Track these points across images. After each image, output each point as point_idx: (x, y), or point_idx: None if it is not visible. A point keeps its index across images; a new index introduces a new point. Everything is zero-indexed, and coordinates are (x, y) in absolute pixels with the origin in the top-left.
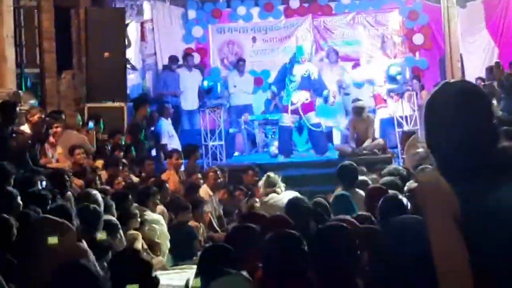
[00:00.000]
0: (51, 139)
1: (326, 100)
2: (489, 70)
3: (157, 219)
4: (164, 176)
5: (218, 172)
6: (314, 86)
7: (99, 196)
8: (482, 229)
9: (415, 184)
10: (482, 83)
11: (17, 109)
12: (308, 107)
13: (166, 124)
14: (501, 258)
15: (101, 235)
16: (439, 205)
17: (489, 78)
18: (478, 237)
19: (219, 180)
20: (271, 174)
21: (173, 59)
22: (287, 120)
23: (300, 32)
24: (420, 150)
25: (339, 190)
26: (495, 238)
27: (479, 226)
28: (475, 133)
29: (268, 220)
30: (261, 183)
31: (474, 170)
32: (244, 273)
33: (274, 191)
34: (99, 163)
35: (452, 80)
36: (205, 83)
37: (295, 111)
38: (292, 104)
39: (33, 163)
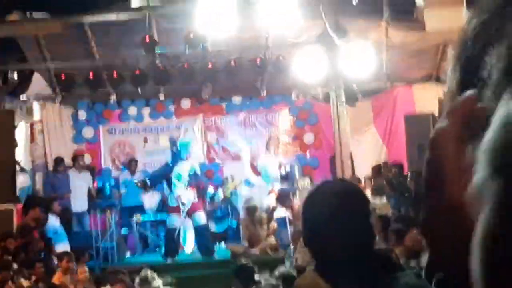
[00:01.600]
0: None
1: (212, 199)
2: (377, 169)
3: None
4: (55, 279)
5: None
6: (200, 183)
7: None
8: None
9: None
10: (372, 183)
11: None
12: (196, 206)
13: (52, 220)
14: None
15: None
16: None
17: (377, 177)
18: None
19: None
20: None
21: (58, 161)
22: (177, 221)
23: (190, 133)
24: None
25: None
26: None
27: None
28: (353, 234)
29: None
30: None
31: (352, 270)
32: None
33: None
34: None
35: (329, 180)
36: (95, 184)
37: (185, 212)
38: (183, 204)
39: None
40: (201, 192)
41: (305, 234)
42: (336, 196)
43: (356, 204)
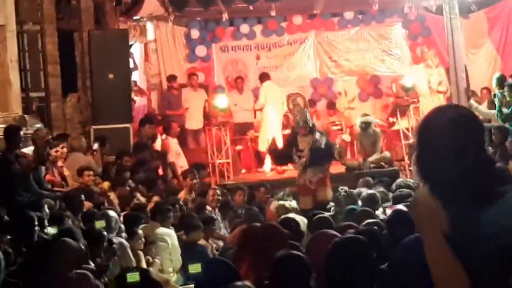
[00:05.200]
0: (59, 163)
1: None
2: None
3: (169, 233)
4: (179, 197)
5: (217, 191)
6: None
7: (114, 218)
8: (466, 248)
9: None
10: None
11: (21, 133)
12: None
13: (172, 143)
14: (481, 274)
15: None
16: (431, 223)
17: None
18: (461, 256)
19: (218, 198)
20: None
21: (171, 77)
22: None
23: (303, 49)
24: None
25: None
26: (478, 257)
27: (463, 245)
28: (468, 160)
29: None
30: None
31: (464, 192)
32: (248, 283)
33: None
34: (106, 184)
35: (444, 105)
36: (209, 101)
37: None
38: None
39: (38, 186)
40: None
41: (418, 157)
42: (451, 123)
43: (470, 132)
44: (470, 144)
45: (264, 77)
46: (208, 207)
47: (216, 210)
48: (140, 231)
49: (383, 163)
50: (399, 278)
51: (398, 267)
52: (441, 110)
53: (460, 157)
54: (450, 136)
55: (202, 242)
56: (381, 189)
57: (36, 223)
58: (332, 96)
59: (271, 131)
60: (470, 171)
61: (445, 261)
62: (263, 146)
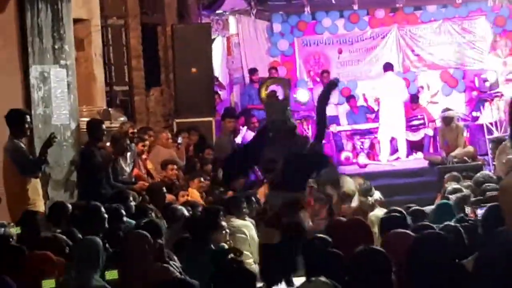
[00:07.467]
0: (144, 156)
1: None
2: None
3: (247, 224)
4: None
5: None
6: None
7: (183, 211)
8: None
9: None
10: None
11: (103, 127)
12: None
13: (252, 136)
14: None
15: None
16: None
17: None
18: None
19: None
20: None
21: (252, 70)
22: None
23: (386, 42)
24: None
25: (438, 199)
26: None
27: None
28: None
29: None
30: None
31: None
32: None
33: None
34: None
35: None
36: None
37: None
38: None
39: (113, 177)
40: None
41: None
42: None
43: None
44: None
45: (388, 67)
46: None
47: None
48: (224, 223)
49: (466, 158)
50: (482, 273)
51: (484, 261)
52: None
53: None
54: None
55: None
56: (469, 182)
57: (105, 215)
58: (414, 90)
59: (391, 123)
60: None
61: None
62: (383, 136)
